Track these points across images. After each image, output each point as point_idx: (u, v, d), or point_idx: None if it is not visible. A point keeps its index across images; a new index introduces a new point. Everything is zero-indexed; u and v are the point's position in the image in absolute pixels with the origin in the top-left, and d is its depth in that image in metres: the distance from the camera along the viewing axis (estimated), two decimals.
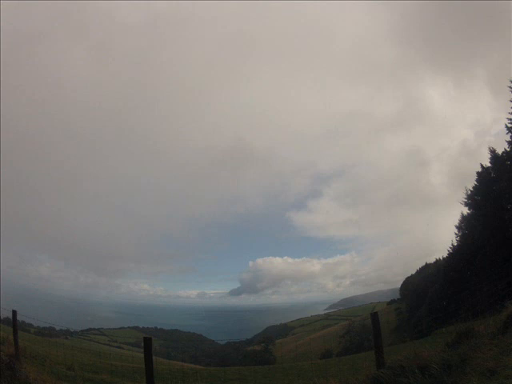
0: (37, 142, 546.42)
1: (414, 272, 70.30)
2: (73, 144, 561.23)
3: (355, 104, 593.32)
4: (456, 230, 36.64)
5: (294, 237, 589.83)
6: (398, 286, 78.88)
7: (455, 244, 36.85)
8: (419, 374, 5.49)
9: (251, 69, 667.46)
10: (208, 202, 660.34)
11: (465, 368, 5.53)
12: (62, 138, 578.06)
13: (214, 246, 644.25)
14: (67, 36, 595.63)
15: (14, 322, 9.69)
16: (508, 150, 29.27)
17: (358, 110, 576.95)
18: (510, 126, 28.45)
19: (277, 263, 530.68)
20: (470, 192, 33.41)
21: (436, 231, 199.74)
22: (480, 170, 32.17)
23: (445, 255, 41.81)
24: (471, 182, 33.40)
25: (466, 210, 35.00)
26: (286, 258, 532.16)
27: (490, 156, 31.11)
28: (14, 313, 9.56)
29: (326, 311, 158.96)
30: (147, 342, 6.77)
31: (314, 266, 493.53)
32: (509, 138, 28.76)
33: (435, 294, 37.66)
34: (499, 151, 30.44)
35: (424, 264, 65.75)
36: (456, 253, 35.24)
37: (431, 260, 62.89)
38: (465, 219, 35.41)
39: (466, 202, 34.17)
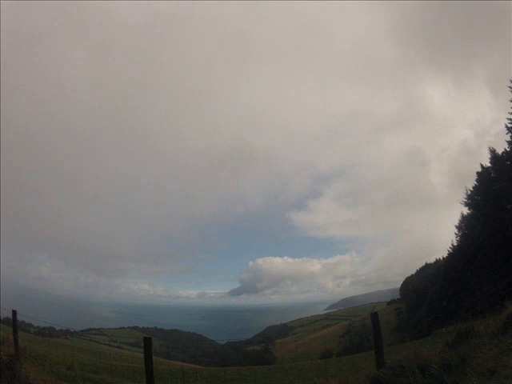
0: (37, 142, 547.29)
1: (414, 272, 70.43)
2: (73, 144, 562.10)
3: (355, 104, 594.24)
4: (456, 230, 36.70)
5: (294, 237, 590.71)
6: (398, 285, 78.98)
7: (455, 244, 36.88)
8: (419, 374, 5.48)
9: (251, 69, 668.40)
10: (208, 202, 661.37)
11: (465, 368, 5.53)
12: (62, 138, 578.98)
13: (214, 246, 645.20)
14: (67, 36, 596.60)
15: (14, 322, 9.68)
16: (508, 149, 29.27)
17: (357, 110, 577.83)
18: (510, 125, 28.45)
19: (277, 263, 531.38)
20: (469, 192, 33.42)
21: (436, 231, 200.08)
22: (480, 169, 32.18)
23: (445, 255, 41.87)
24: (471, 182, 33.47)
25: (466, 210, 35.07)
26: (286, 257, 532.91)
27: (489, 156, 31.14)
28: (14, 313, 9.56)
29: (326, 311, 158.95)
30: (147, 342, 6.77)
31: (314, 265, 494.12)
32: (509, 138, 28.77)
33: (435, 294, 37.66)
34: (499, 151, 30.47)
35: (424, 264, 65.84)
36: (456, 253, 35.24)
37: (431, 260, 63.01)
38: (465, 219, 35.41)
39: (466, 202, 34.18)
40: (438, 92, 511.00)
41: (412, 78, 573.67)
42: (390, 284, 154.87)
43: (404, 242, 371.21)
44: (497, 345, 6.06)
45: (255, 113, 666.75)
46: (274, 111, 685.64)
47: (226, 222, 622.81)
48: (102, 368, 14.15)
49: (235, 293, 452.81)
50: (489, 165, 31.40)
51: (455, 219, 37.00)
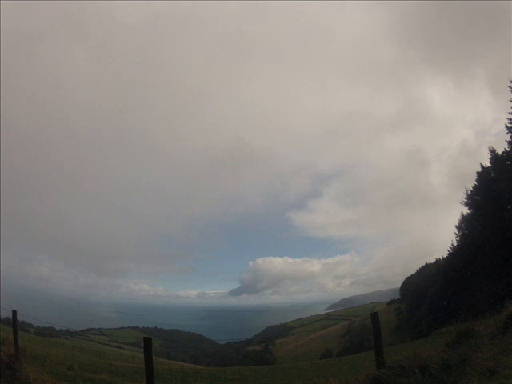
0: (37, 142, 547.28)
1: (414, 272, 70.43)
2: (73, 144, 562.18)
3: (355, 104, 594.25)
4: (456, 230, 36.70)
5: (294, 237, 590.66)
6: (398, 285, 78.98)
7: (455, 244, 36.88)
8: (419, 374, 5.48)
9: (251, 69, 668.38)
10: (208, 202, 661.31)
11: (465, 368, 5.53)
12: (62, 138, 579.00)
13: (214, 246, 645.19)
14: (67, 36, 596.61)
15: (14, 322, 9.68)
16: (508, 149, 29.27)
17: (358, 110, 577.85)
18: (510, 125, 28.45)
19: (277, 263, 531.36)
20: (470, 192, 33.41)
21: (436, 231, 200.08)
22: (480, 169, 32.17)
23: (445, 255, 41.86)
24: (471, 182, 33.46)
25: (466, 210, 35.07)
26: (286, 257, 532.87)
27: (490, 156, 31.14)
28: (14, 313, 9.56)
29: (326, 311, 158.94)
30: (147, 342, 6.77)
31: (314, 265, 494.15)
32: (509, 138, 28.77)
33: (435, 294, 37.66)
34: (499, 151, 30.47)
35: (424, 264, 65.83)
36: (456, 253, 35.23)
37: (431, 260, 63.01)
38: (465, 219, 35.41)
39: (466, 202, 34.18)
40: (438, 92, 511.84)
41: (412, 77, 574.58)
42: (389, 284, 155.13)
43: (404, 242, 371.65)
44: (497, 345, 6.06)
45: (255, 113, 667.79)
46: (273, 111, 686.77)
47: (225, 222, 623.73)
48: (101, 368, 14.15)
49: (235, 293, 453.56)
50: (489, 165, 31.40)
51: (455, 219, 37.08)
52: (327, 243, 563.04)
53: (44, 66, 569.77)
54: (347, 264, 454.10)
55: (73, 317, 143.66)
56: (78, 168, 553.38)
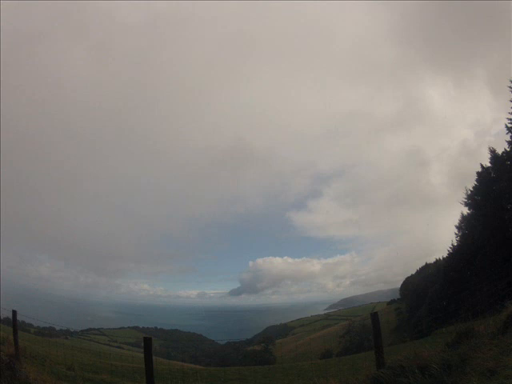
0: (37, 142, 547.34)
1: (414, 272, 70.44)
2: (73, 144, 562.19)
3: (355, 104, 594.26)
4: (456, 230, 36.71)
5: (294, 237, 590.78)
6: (398, 285, 78.99)
7: (455, 244, 36.88)
8: (419, 374, 5.48)
9: (251, 69, 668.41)
10: (208, 202, 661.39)
11: (465, 368, 5.53)
12: (62, 138, 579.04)
13: (214, 246, 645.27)
14: (67, 36, 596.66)
15: (14, 322, 9.68)
16: (508, 149, 29.27)
17: (357, 110, 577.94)
18: (510, 125, 28.45)
19: (277, 263, 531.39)
20: (470, 192, 33.42)
21: (436, 231, 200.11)
22: (480, 169, 32.18)
23: (445, 255, 41.87)
24: (471, 182, 33.47)
25: (466, 210, 35.08)
26: (286, 257, 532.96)
27: (489, 156, 31.15)
28: (14, 313, 9.56)
29: (326, 311, 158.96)
30: (147, 342, 6.77)
31: (314, 265, 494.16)
32: (509, 138, 28.77)
33: (435, 294, 37.66)
34: (499, 151, 30.47)
35: (424, 264, 65.85)
36: (456, 253, 35.23)
37: (431, 260, 63.02)
38: (465, 219, 35.41)
39: (466, 202, 34.18)
40: (438, 92, 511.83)
41: (412, 77, 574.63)
42: (389, 284, 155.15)
43: (404, 241, 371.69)
44: (497, 345, 6.06)
45: (255, 113, 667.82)
46: (274, 111, 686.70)
47: (225, 222, 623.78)
48: (101, 368, 14.15)
49: (235, 293, 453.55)
50: (489, 165, 31.40)
51: (455, 219, 37.09)
52: (327, 243, 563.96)
53: (44, 65, 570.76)
54: (347, 264, 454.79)
55: (73, 317, 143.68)
56: (77, 168, 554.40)
